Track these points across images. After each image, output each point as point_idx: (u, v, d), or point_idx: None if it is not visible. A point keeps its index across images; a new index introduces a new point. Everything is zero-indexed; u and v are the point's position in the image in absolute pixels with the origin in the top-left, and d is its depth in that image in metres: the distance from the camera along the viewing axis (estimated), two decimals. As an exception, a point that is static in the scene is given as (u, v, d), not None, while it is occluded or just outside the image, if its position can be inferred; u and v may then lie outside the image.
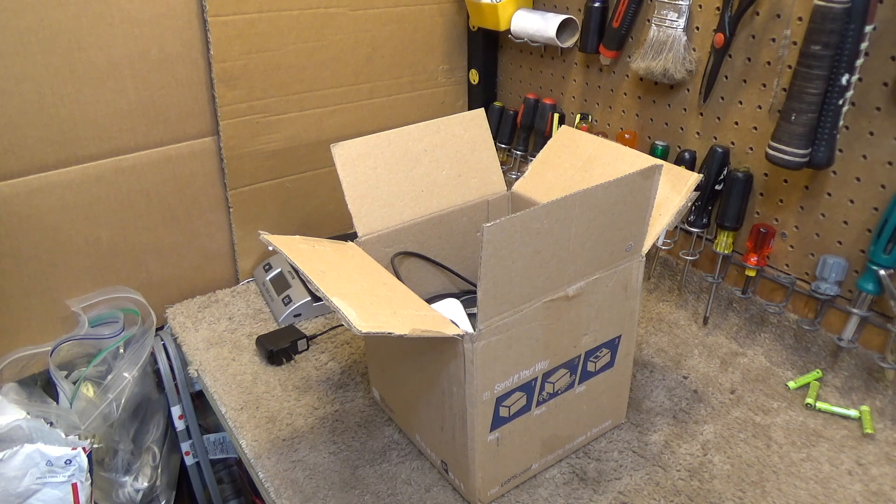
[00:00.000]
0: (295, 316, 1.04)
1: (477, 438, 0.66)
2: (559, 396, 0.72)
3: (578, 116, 1.15)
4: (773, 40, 0.84)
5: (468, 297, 0.87)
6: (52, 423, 0.88)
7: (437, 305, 0.75)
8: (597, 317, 0.70)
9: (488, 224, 0.54)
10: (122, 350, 1.02)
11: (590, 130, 1.12)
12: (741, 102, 0.90)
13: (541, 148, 0.88)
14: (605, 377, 0.76)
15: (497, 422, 0.67)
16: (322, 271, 0.63)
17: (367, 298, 0.60)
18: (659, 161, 0.67)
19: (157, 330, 1.07)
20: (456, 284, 0.91)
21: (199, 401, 1.09)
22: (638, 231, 0.69)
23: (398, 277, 0.78)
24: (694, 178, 0.74)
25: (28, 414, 0.87)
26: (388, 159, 0.80)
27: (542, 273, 0.62)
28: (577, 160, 0.84)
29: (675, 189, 0.75)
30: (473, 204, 0.88)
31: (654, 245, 1.03)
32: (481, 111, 0.88)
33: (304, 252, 0.67)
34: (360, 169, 0.79)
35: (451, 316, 0.73)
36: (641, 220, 0.68)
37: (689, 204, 0.75)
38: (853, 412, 0.82)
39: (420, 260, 0.86)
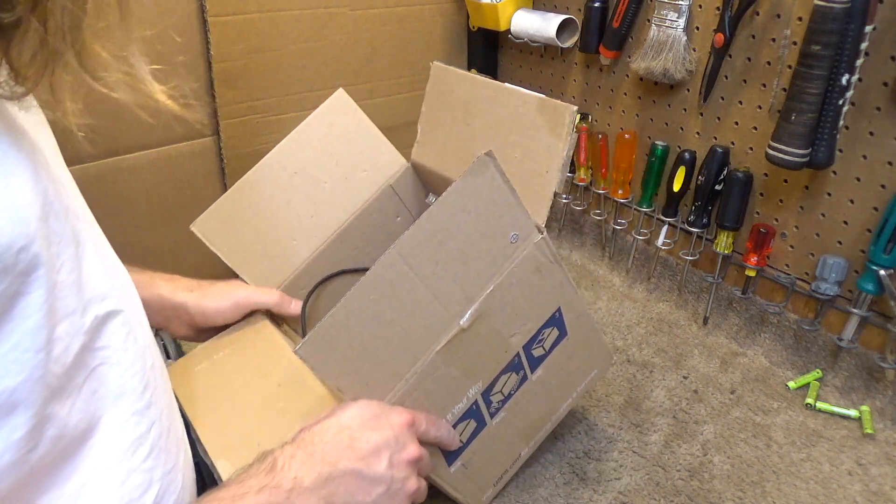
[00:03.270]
0: (295, 316, 1.03)
1: (440, 477, 0.63)
2: (515, 395, 0.66)
3: (578, 116, 1.15)
4: (773, 40, 0.84)
5: None
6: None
7: None
8: (516, 315, 0.62)
9: (298, 347, 0.49)
10: (121, 350, 1.01)
11: (590, 130, 1.12)
12: (741, 102, 0.90)
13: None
14: (562, 348, 0.68)
15: (453, 455, 0.63)
16: (213, 420, 0.63)
17: (257, 434, 0.60)
18: (489, 152, 0.55)
19: (158, 330, 1.07)
20: None
21: (199, 401, 1.09)
22: (514, 219, 0.58)
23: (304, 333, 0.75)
24: (569, 112, 0.63)
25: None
26: (256, 208, 0.73)
27: (412, 334, 0.55)
28: (456, 110, 0.75)
29: (555, 132, 0.64)
30: (377, 196, 0.80)
31: (654, 245, 1.03)
32: (340, 92, 0.78)
33: (199, 385, 0.67)
34: (233, 235, 0.73)
35: None
36: (510, 210, 0.58)
37: (572, 151, 0.68)
38: (853, 412, 0.82)
39: (346, 275, 0.81)
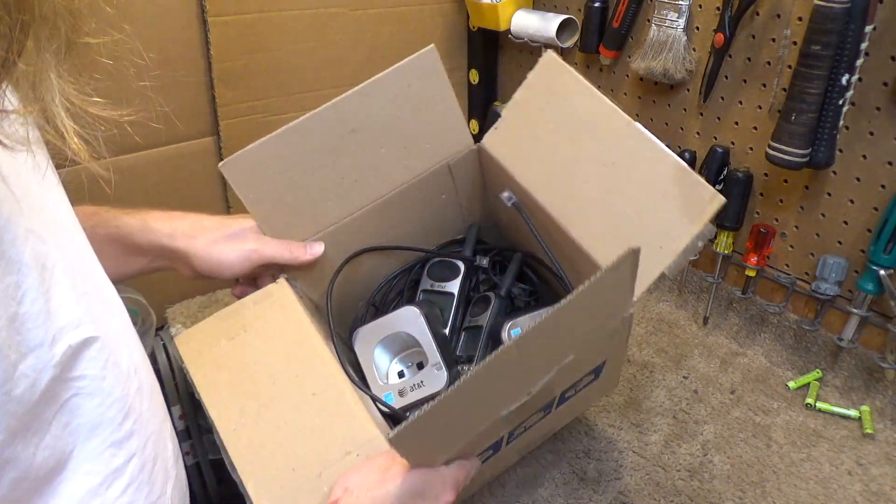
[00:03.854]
0: (295, 316, 1.03)
1: None
2: (533, 427, 0.64)
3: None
4: (773, 40, 0.84)
5: (434, 263, 0.80)
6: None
7: (394, 315, 0.70)
8: (573, 372, 0.59)
9: (392, 435, 0.43)
10: (122, 350, 1.01)
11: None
12: (741, 102, 0.90)
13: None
14: (589, 388, 0.67)
15: None
16: (238, 423, 0.58)
17: (290, 455, 0.56)
18: (637, 249, 0.47)
19: (158, 330, 1.07)
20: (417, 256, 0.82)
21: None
22: (620, 304, 0.55)
23: (329, 320, 0.70)
24: (716, 202, 0.56)
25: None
26: (296, 159, 0.65)
27: (491, 407, 0.52)
28: (557, 115, 0.67)
29: (688, 214, 0.56)
30: (429, 173, 0.72)
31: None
32: (431, 49, 0.68)
33: (221, 375, 0.61)
34: (263, 182, 0.65)
35: (408, 329, 0.68)
36: (622, 297, 0.54)
37: (703, 244, 0.60)
38: (853, 412, 0.82)
39: (371, 252, 0.75)
